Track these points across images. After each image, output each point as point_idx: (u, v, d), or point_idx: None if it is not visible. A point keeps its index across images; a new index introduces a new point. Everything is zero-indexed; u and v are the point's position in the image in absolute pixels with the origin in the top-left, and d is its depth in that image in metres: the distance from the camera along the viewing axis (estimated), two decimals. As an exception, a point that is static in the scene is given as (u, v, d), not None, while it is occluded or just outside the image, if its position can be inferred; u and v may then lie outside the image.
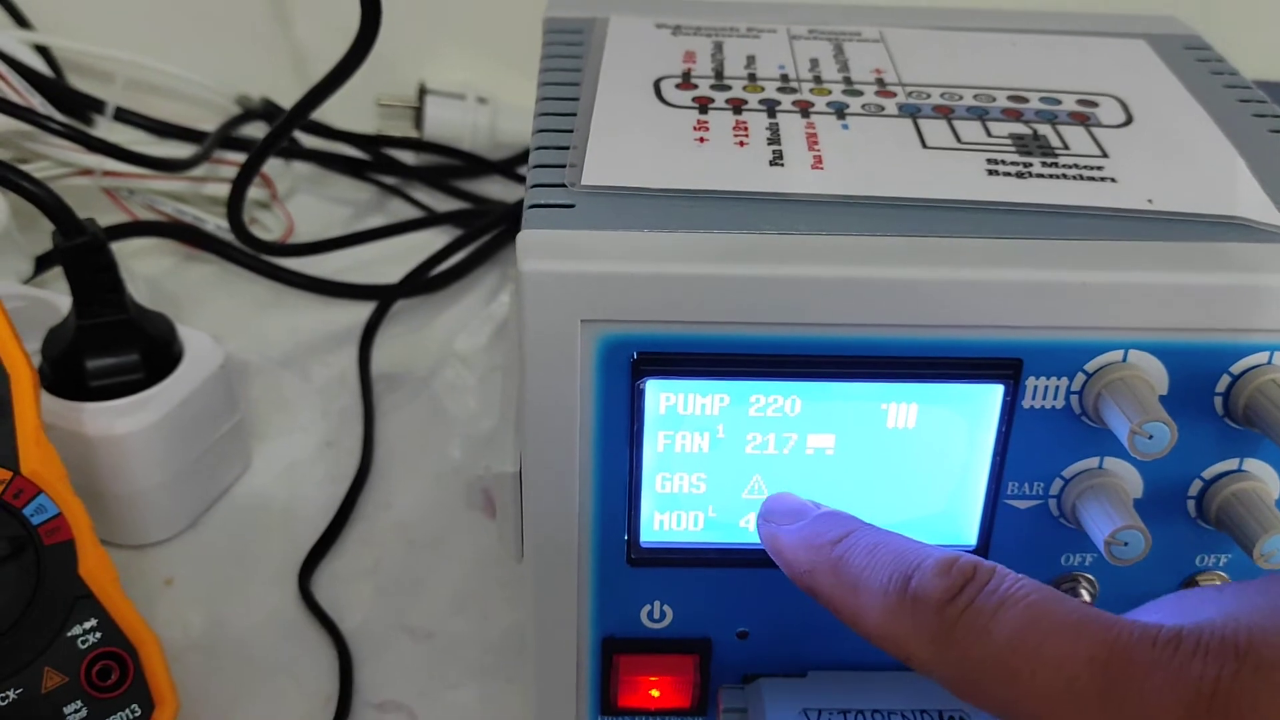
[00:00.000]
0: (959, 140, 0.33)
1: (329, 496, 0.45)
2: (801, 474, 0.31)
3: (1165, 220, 0.30)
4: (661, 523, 0.31)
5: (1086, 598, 0.32)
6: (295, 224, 0.60)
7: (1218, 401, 0.30)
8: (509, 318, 0.34)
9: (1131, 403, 0.28)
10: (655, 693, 0.34)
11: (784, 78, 0.36)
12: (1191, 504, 0.31)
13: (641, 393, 0.29)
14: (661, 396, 0.30)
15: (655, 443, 0.30)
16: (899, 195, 0.30)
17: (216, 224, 0.57)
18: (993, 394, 0.30)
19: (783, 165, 0.31)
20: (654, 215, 0.29)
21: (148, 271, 0.57)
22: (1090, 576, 0.32)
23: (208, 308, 0.55)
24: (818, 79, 0.36)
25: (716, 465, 0.31)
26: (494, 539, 0.34)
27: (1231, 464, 0.31)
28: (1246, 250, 0.29)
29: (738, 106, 0.34)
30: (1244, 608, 0.23)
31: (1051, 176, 0.31)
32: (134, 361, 0.42)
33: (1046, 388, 0.30)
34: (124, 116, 0.59)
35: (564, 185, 0.31)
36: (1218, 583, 0.32)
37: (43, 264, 0.54)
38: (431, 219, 0.59)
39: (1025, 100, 0.35)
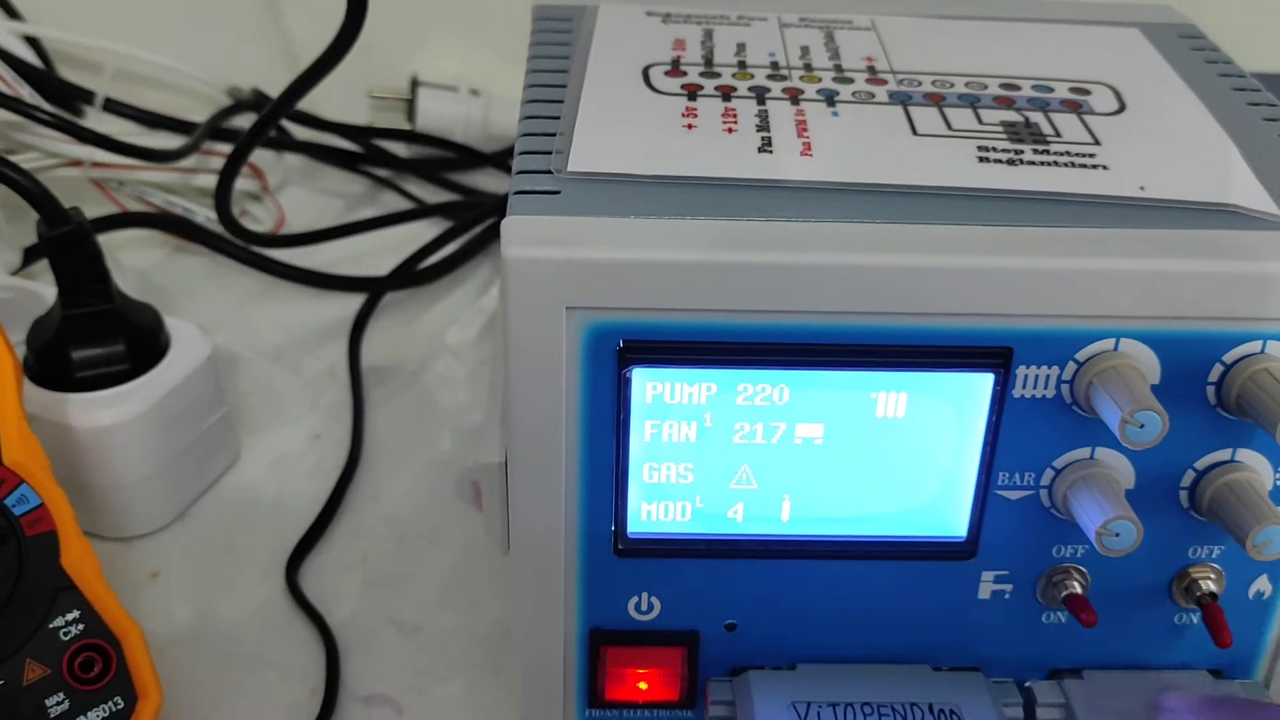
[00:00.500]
0: (950, 127, 0.32)
1: (318, 489, 0.45)
2: (790, 464, 0.30)
3: (1158, 208, 0.30)
4: (649, 513, 0.31)
5: (1078, 589, 0.31)
6: (286, 216, 0.59)
7: (1210, 391, 0.29)
8: (499, 310, 0.34)
9: (1123, 392, 0.28)
10: (643, 685, 0.33)
11: (774, 65, 0.36)
12: (1184, 495, 0.31)
13: (628, 381, 0.29)
14: (648, 385, 0.29)
15: (642, 432, 0.30)
16: (888, 182, 0.30)
17: (206, 216, 0.57)
18: (983, 383, 0.29)
19: (771, 152, 0.31)
20: (641, 202, 0.29)
21: (137, 263, 0.57)
22: (1082, 568, 0.32)
23: (197, 300, 0.55)
24: (808, 66, 0.36)
25: (704, 455, 0.30)
26: (483, 532, 0.33)
27: (1224, 454, 0.30)
28: (1239, 238, 0.29)
29: (727, 94, 0.34)
30: None
31: (1043, 164, 0.31)
32: (120, 352, 0.41)
33: (1037, 377, 0.29)
34: (113, 107, 0.59)
35: (550, 172, 0.30)
36: (1212, 575, 0.32)
37: (31, 255, 0.53)
38: (422, 210, 0.59)
39: (1017, 88, 0.35)
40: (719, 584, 0.32)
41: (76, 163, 0.55)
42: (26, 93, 0.54)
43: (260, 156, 0.60)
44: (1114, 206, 0.30)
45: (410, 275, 0.55)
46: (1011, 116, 0.33)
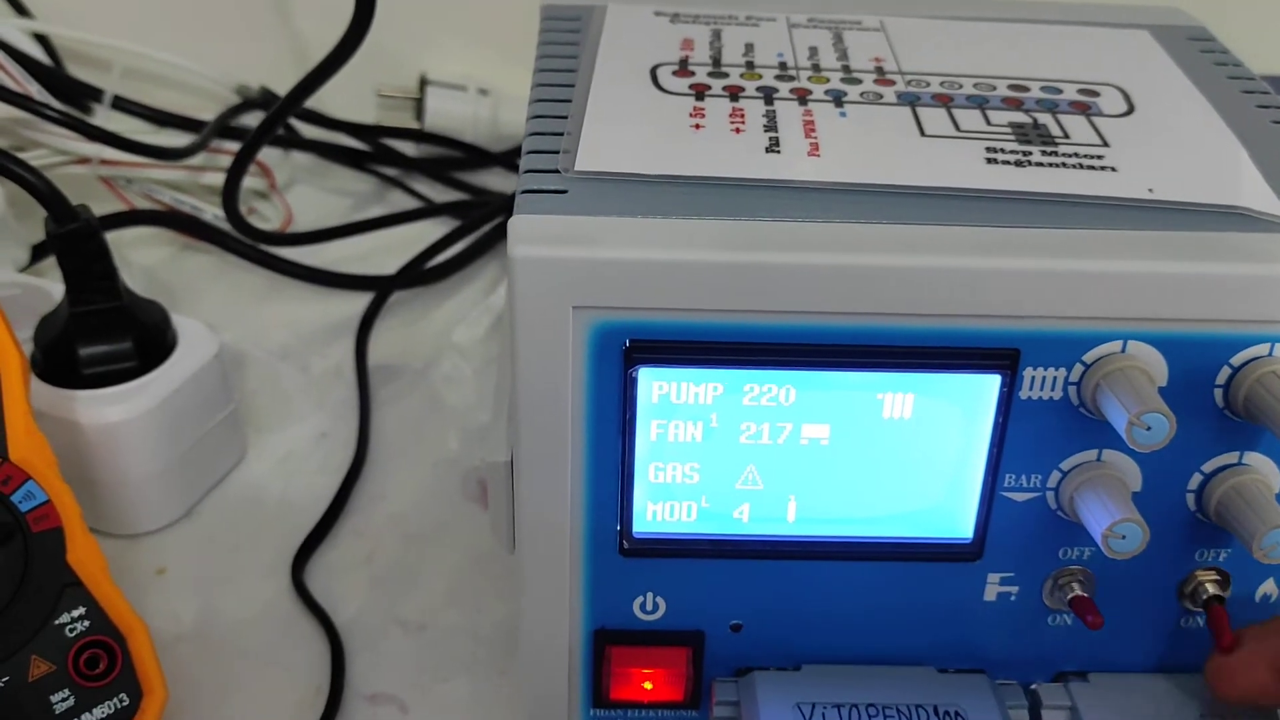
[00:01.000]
0: (958, 129, 0.32)
1: (324, 487, 0.45)
2: (796, 465, 0.30)
3: (1166, 210, 0.30)
4: (654, 513, 0.31)
5: (1084, 592, 0.31)
6: (294, 214, 0.59)
7: (1218, 394, 0.29)
8: (506, 309, 0.34)
9: (1130, 394, 0.28)
10: (648, 685, 0.33)
11: (782, 65, 0.36)
12: (1191, 497, 0.31)
13: (634, 381, 0.29)
14: (654, 385, 0.29)
15: (648, 432, 0.30)
16: (896, 183, 0.30)
17: (214, 214, 0.57)
18: (990, 384, 0.29)
19: (779, 152, 0.31)
20: (648, 201, 0.29)
21: (145, 261, 0.57)
22: (1088, 570, 0.32)
23: (205, 298, 0.55)
24: (816, 67, 0.36)
25: (710, 455, 0.30)
26: (489, 531, 0.33)
27: (1231, 457, 0.30)
28: (1247, 240, 0.29)
29: (734, 94, 0.34)
30: None
31: (1051, 165, 0.31)
32: (127, 349, 0.41)
33: (1044, 378, 0.29)
34: (122, 105, 0.59)
35: (557, 171, 0.30)
36: (1219, 579, 0.32)
37: (39, 253, 0.54)
38: (430, 209, 0.59)
39: (1026, 89, 0.35)
40: (724, 584, 0.32)
41: (85, 160, 0.55)
42: (35, 90, 0.54)
43: (268, 155, 0.60)
44: (1122, 208, 0.30)
45: (417, 274, 0.55)
46: (1020, 118, 0.33)
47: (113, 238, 0.54)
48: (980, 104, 0.34)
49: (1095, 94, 0.35)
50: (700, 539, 0.31)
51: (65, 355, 0.41)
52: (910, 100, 0.34)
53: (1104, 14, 0.41)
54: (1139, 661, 0.33)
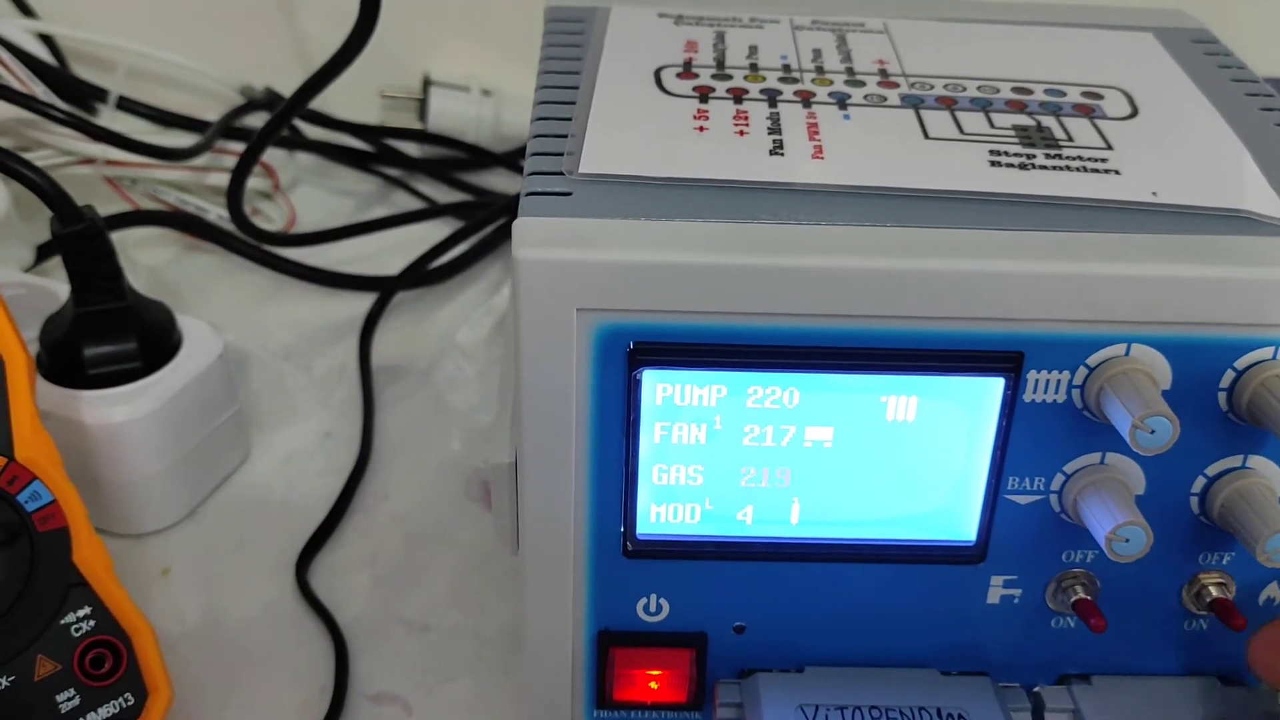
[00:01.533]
0: (961, 131, 0.32)
1: (328, 488, 0.45)
2: (799, 467, 0.30)
3: (1170, 213, 0.30)
4: (658, 515, 0.31)
5: (1087, 595, 0.31)
6: (298, 215, 0.59)
7: (1222, 397, 0.29)
8: (510, 310, 0.34)
9: (1133, 397, 0.28)
10: (653, 685, 0.33)
11: (786, 68, 0.36)
12: (1195, 501, 0.31)
13: (638, 383, 0.29)
14: (658, 387, 0.30)
15: (652, 434, 0.30)
16: (900, 185, 0.30)
17: (219, 214, 0.57)
18: (993, 387, 0.29)
19: (783, 155, 0.31)
20: (652, 204, 0.29)
21: (149, 261, 0.57)
22: (1091, 574, 0.32)
23: (209, 298, 0.55)
24: (820, 69, 0.36)
25: (714, 457, 0.30)
26: (492, 532, 0.33)
27: (1235, 461, 0.30)
28: (1252, 244, 0.29)
29: (739, 96, 0.34)
30: None
31: (1055, 168, 0.31)
32: (132, 350, 0.41)
33: (1048, 381, 0.29)
34: (127, 106, 0.59)
35: (561, 173, 0.30)
36: (1223, 582, 0.32)
37: (44, 253, 0.54)
38: (433, 210, 0.59)
39: (1030, 92, 0.35)
40: (728, 586, 0.32)
41: (89, 160, 0.55)
42: (40, 90, 0.54)
43: (272, 155, 0.60)
44: (1126, 211, 0.30)
45: (421, 275, 0.55)
46: (1024, 120, 0.33)
47: (117, 238, 0.54)
48: (984, 107, 0.34)
49: (1099, 97, 0.35)
50: (704, 541, 0.31)
51: (70, 355, 0.41)
52: (914, 103, 0.34)
53: (1107, 16, 0.41)
54: (1142, 664, 0.33)
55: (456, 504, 0.45)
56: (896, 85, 0.35)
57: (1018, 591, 0.32)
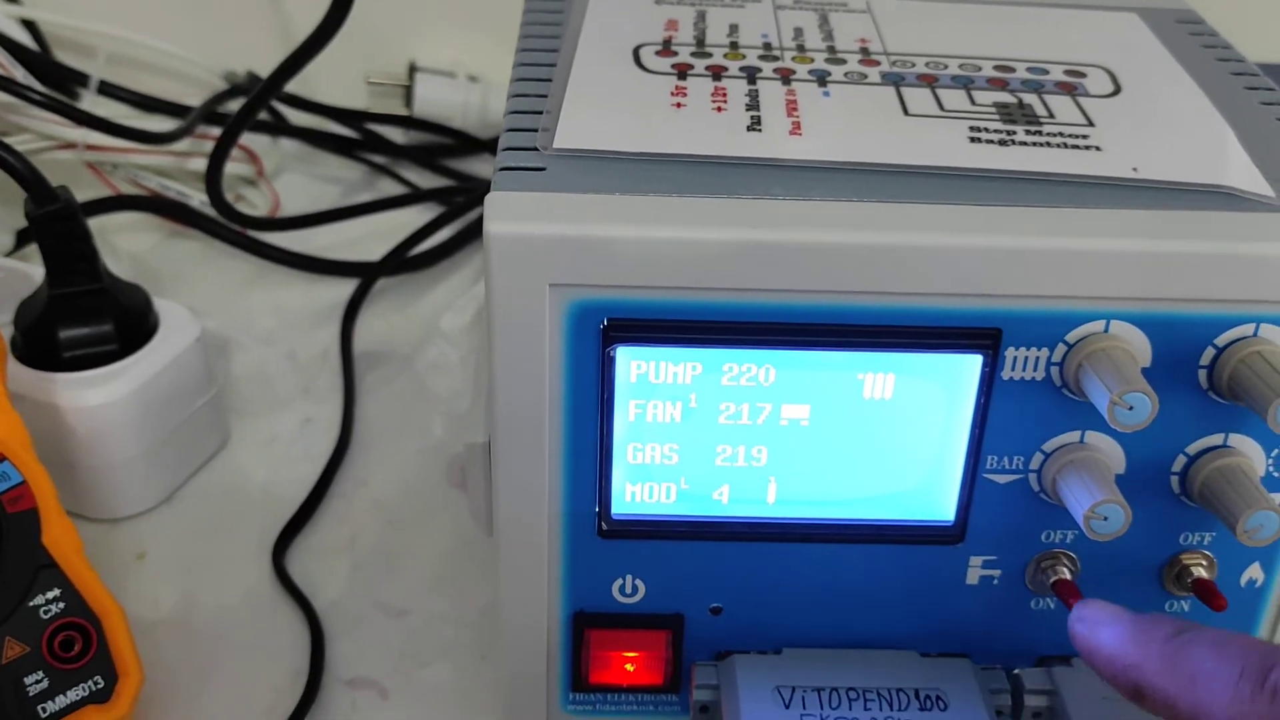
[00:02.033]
0: (942, 108, 0.32)
1: (308, 473, 0.45)
2: (776, 445, 0.30)
3: (1150, 189, 0.29)
4: (633, 494, 0.31)
5: (1067, 575, 0.31)
6: (282, 202, 0.59)
7: (1202, 374, 0.29)
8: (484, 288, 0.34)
9: (1112, 374, 0.28)
10: (629, 668, 0.33)
11: (766, 46, 0.35)
12: (1175, 480, 0.30)
13: (612, 360, 0.29)
14: (632, 364, 0.29)
15: (626, 412, 0.30)
16: (878, 161, 0.30)
17: (201, 199, 0.57)
18: (971, 364, 0.29)
19: (760, 131, 0.31)
20: (626, 178, 0.29)
21: (132, 247, 0.56)
22: (1071, 554, 0.31)
23: (191, 284, 0.54)
24: (801, 47, 0.35)
25: (689, 436, 0.30)
26: (469, 514, 0.33)
27: (1216, 439, 0.30)
28: (1232, 219, 0.28)
29: (717, 73, 0.34)
30: None
31: (1035, 144, 0.31)
32: (107, 332, 0.41)
33: (1026, 358, 0.29)
34: (108, 91, 0.58)
35: (536, 149, 0.30)
36: (1204, 563, 0.31)
37: (24, 238, 0.53)
38: (416, 195, 0.59)
39: (1012, 70, 0.34)
40: (704, 567, 0.32)
41: (70, 145, 0.55)
42: (20, 75, 0.54)
43: (256, 142, 0.60)
44: (1106, 187, 0.29)
45: (404, 261, 0.55)
46: (1005, 98, 0.33)
47: (99, 223, 0.54)
48: (965, 84, 0.33)
49: (1082, 75, 0.34)
50: (679, 521, 0.31)
51: (45, 338, 0.41)
52: (895, 80, 0.34)
53: (1092, -3, 0.40)
54: (1123, 647, 0.33)
55: (437, 489, 0.45)
56: (878, 63, 0.35)
57: (997, 572, 0.32)
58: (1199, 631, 0.26)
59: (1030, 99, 0.33)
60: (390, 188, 0.61)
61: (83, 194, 0.46)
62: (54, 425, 0.40)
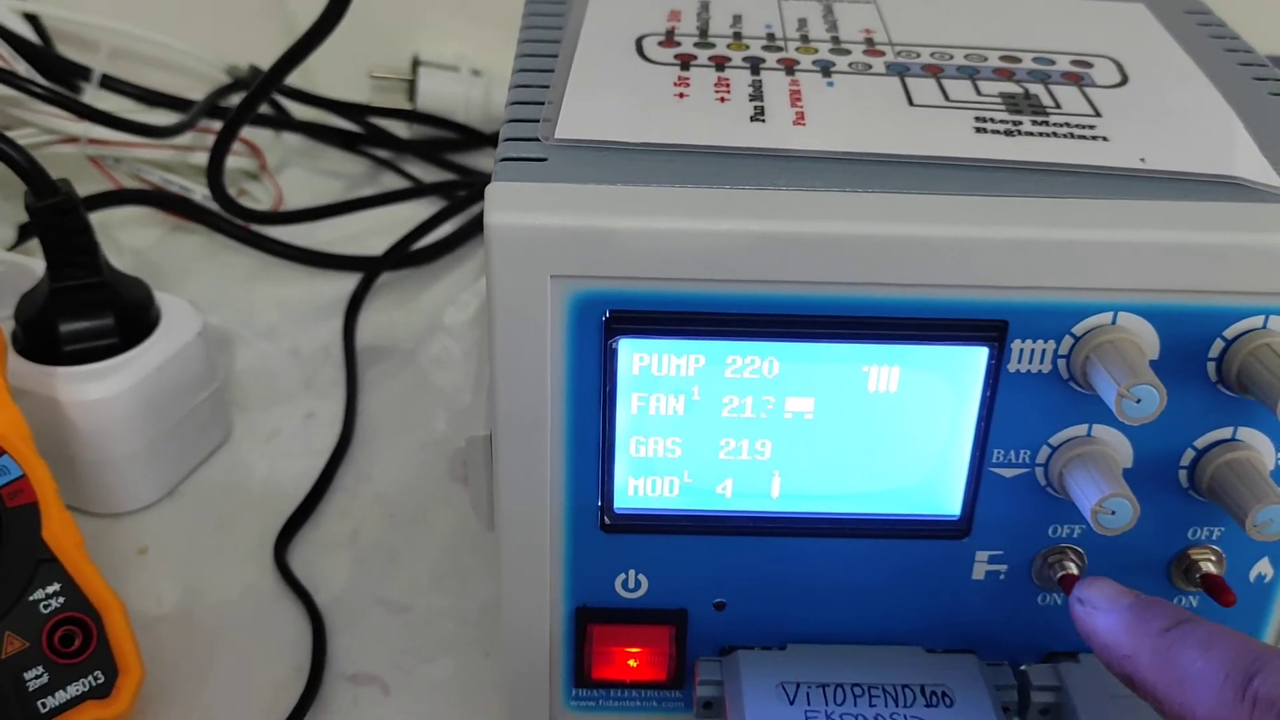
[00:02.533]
0: (947, 98, 0.32)
1: (310, 468, 0.45)
2: (780, 439, 0.30)
3: (1158, 179, 0.29)
4: (636, 488, 0.31)
5: (1074, 570, 0.31)
6: (285, 196, 0.59)
7: (1210, 367, 0.29)
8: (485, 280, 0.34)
9: (1120, 366, 0.27)
10: (632, 663, 0.33)
11: (770, 36, 0.35)
12: (1183, 474, 0.30)
13: (614, 352, 0.29)
14: (635, 357, 0.29)
15: (629, 405, 0.29)
16: (882, 152, 0.29)
17: (203, 194, 0.56)
18: (977, 357, 0.29)
19: (763, 121, 0.30)
20: (628, 169, 0.28)
21: (134, 242, 0.56)
22: (1078, 549, 0.31)
23: (193, 278, 0.54)
24: (805, 38, 0.35)
25: (692, 429, 0.30)
26: (470, 508, 0.33)
27: (1225, 433, 0.30)
28: (1241, 210, 0.28)
29: (720, 64, 0.33)
30: None
31: (1041, 135, 0.30)
32: (108, 326, 0.41)
33: (1033, 351, 0.29)
34: (111, 85, 0.58)
35: (537, 139, 0.30)
36: (1213, 558, 0.31)
37: (27, 233, 0.53)
38: (419, 190, 0.59)
39: (1018, 60, 0.34)
40: (708, 561, 0.31)
41: (73, 139, 0.54)
42: (23, 68, 0.54)
43: (259, 136, 0.60)
44: (1113, 178, 0.29)
45: (406, 255, 0.55)
46: (1011, 88, 0.32)
47: (102, 218, 0.54)
48: (971, 74, 0.33)
49: (1088, 65, 0.34)
50: (683, 515, 0.31)
51: (45, 331, 0.41)
52: (899, 71, 0.33)
53: (1100, -13, 0.40)
54: (1130, 642, 0.32)
55: (439, 484, 0.44)
56: (882, 54, 0.34)
57: (1003, 567, 0.31)
58: (1192, 627, 0.26)
59: (1036, 89, 0.32)
60: (393, 182, 0.61)
61: (85, 188, 0.45)
62: (54, 419, 0.40)
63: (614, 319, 0.28)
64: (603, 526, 0.31)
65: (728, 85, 0.32)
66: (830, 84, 0.32)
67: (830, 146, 0.30)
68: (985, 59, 0.34)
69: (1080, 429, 0.29)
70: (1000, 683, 0.32)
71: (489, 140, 0.62)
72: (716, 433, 0.30)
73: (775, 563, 0.31)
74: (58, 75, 0.58)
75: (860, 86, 0.32)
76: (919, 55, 0.34)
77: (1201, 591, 0.31)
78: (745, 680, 0.31)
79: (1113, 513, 0.28)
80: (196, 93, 0.59)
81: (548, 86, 0.32)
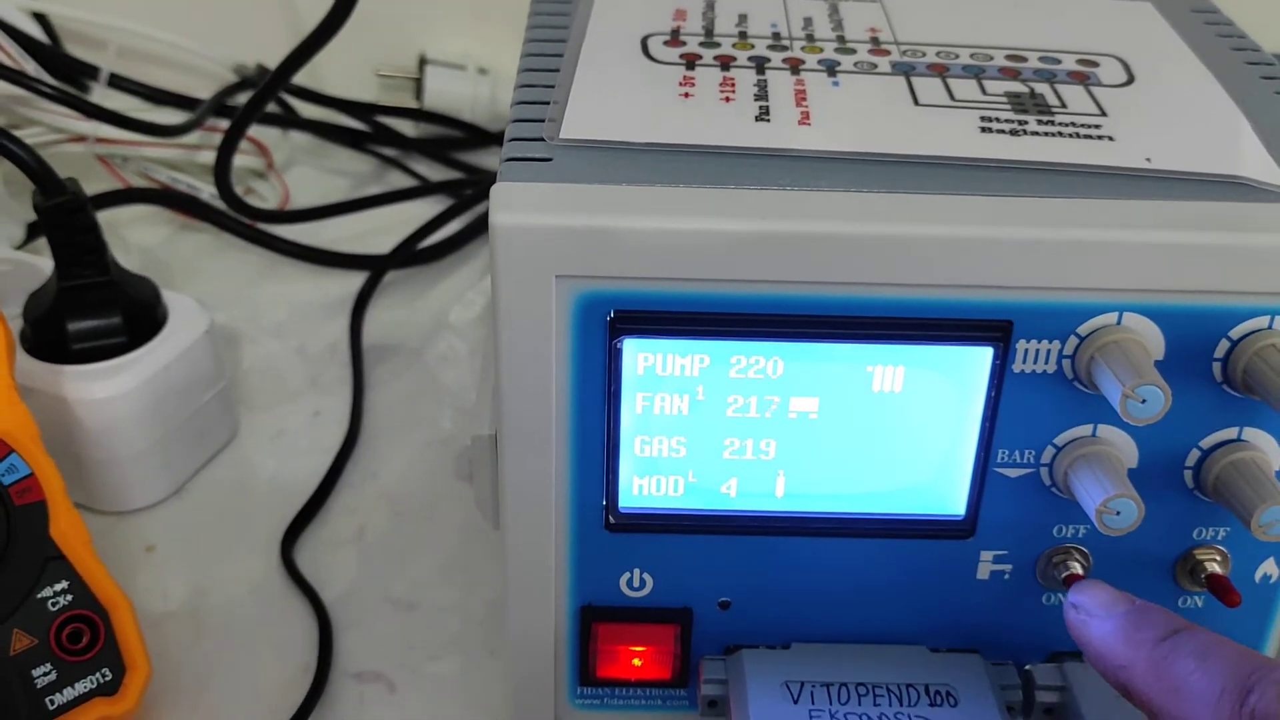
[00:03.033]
0: (952, 98, 0.32)
1: (316, 466, 0.45)
2: (784, 438, 0.30)
3: (1164, 179, 0.29)
4: (641, 487, 0.31)
5: (1079, 570, 0.31)
6: (292, 195, 0.59)
7: (1216, 367, 0.29)
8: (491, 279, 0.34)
9: (1125, 366, 0.27)
10: (636, 662, 0.33)
11: (775, 36, 0.35)
12: (1189, 474, 0.30)
13: (619, 352, 0.29)
14: (639, 356, 0.29)
15: (633, 404, 0.30)
16: (887, 151, 0.29)
17: (211, 193, 0.57)
18: (982, 357, 0.29)
19: (769, 121, 0.30)
20: (633, 169, 0.29)
21: (142, 240, 0.56)
22: (1083, 549, 0.31)
23: (201, 277, 0.54)
24: (810, 37, 0.35)
25: (697, 428, 0.30)
26: (475, 506, 0.33)
27: (1230, 433, 0.30)
28: (1247, 210, 0.28)
29: (726, 63, 0.33)
30: None
31: (1047, 134, 0.30)
32: (116, 324, 0.41)
33: (1037, 351, 0.29)
34: (119, 84, 0.58)
35: (542, 139, 0.30)
36: (1218, 558, 0.31)
37: (35, 231, 0.53)
38: (426, 188, 0.59)
39: (1024, 60, 0.34)
40: (712, 561, 0.31)
41: (81, 138, 0.55)
42: (31, 68, 0.54)
43: (267, 135, 0.60)
44: (1119, 178, 0.29)
45: (413, 254, 0.55)
46: (1016, 88, 0.32)
47: (110, 216, 0.54)
48: (976, 74, 0.33)
49: (1094, 64, 0.34)
50: (687, 514, 0.31)
51: (54, 330, 0.41)
52: (905, 70, 0.33)
53: (1106, -14, 0.40)
54: (1135, 642, 0.32)
55: (445, 482, 0.45)
56: (888, 53, 0.34)
57: (1008, 567, 0.31)
58: (1188, 636, 0.25)
59: (1042, 89, 0.32)
60: (400, 180, 0.61)
61: (93, 187, 0.46)
62: (62, 417, 0.40)
63: (619, 319, 0.28)
64: (608, 526, 0.31)
65: (733, 85, 0.32)
66: (835, 83, 0.32)
67: (835, 146, 0.30)
68: (991, 58, 0.34)
69: (1085, 429, 0.29)
70: (1005, 682, 0.32)
71: (495, 139, 0.63)
72: (721, 432, 0.30)
73: (780, 562, 0.31)
74: (65, 74, 0.58)
75: (865, 86, 0.32)
76: (924, 54, 0.34)
77: (1206, 592, 0.31)
78: (750, 679, 0.31)
79: (1118, 513, 0.28)
80: (204, 92, 0.59)
81: (553, 86, 0.32)
